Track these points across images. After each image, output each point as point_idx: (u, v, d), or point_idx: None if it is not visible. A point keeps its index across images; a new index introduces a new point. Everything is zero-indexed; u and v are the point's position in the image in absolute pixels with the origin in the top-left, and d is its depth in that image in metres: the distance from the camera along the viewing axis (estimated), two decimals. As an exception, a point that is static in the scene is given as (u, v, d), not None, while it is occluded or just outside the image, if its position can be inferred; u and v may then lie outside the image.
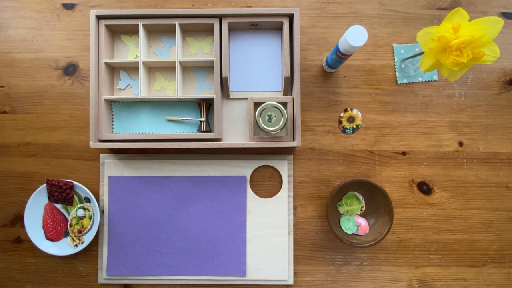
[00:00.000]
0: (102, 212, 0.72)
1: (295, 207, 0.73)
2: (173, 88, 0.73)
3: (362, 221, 0.70)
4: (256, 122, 0.67)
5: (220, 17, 0.69)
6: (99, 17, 0.68)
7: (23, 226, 0.73)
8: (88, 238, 0.70)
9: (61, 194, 0.70)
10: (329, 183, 0.73)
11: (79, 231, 0.70)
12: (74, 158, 0.74)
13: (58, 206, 0.72)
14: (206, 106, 0.71)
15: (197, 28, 0.71)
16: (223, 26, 0.68)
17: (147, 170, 0.72)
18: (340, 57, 0.63)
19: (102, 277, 0.72)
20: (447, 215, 0.73)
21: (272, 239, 0.71)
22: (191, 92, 0.73)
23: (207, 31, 0.73)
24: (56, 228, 0.71)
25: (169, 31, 0.73)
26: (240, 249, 0.71)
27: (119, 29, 0.71)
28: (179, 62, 0.69)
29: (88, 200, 0.71)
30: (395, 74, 0.74)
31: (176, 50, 0.69)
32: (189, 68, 0.73)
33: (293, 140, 0.68)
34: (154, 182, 0.72)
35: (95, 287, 0.73)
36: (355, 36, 0.57)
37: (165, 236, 0.71)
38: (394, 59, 0.74)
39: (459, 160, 0.73)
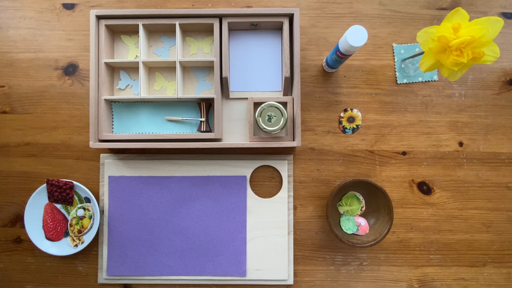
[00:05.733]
0: (102, 212, 0.72)
1: (295, 207, 0.73)
2: (173, 88, 0.73)
3: (362, 221, 0.70)
4: (256, 122, 0.67)
5: (220, 17, 0.69)
6: (99, 17, 0.68)
7: (23, 226, 0.73)
8: (88, 238, 0.70)
9: (61, 194, 0.70)
10: (329, 183, 0.73)
11: (79, 231, 0.70)
12: (74, 158, 0.74)
13: (58, 206, 0.72)
14: (206, 106, 0.71)
15: (197, 28, 0.71)
16: (223, 26, 0.68)
17: (147, 170, 0.72)
18: (340, 57, 0.64)
19: (102, 277, 0.72)
20: (447, 215, 0.73)
21: (272, 239, 0.71)
22: (191, 92, 0.73)
23: (207, 31, 0.73)
24: (56, 228, 0.71)
25: (169, 31, 0.73)
26: (240, 249, 0.71)
27: (119, 29, 0.71)
28: (179, 62, 0.69)
29: (88, 200, 0.71)
30: (395, 74, 0.74)
31: (176, 50, 0.69)
32: (189, 68, 0.73)
33: (293, 140, 0.68)
34: (154, 182, 0.72)
35: (95, 287, 0.73)
36: (355, 36, 0.57)
37: (165, 236, 0.71)
38: (394, 59, 0.74)
39: (459, 160, 0.73)
